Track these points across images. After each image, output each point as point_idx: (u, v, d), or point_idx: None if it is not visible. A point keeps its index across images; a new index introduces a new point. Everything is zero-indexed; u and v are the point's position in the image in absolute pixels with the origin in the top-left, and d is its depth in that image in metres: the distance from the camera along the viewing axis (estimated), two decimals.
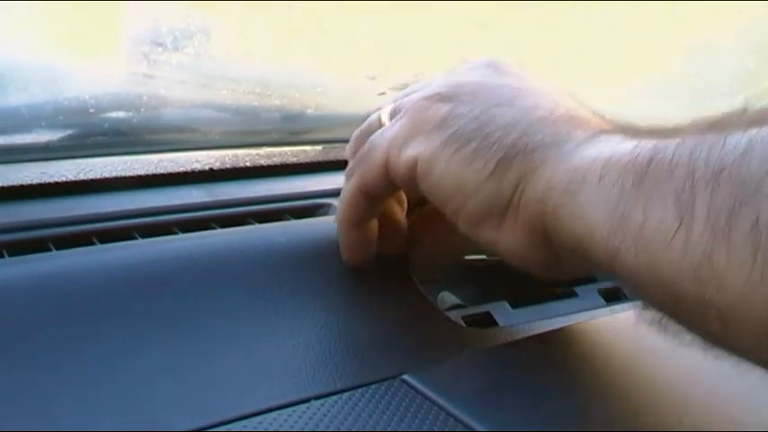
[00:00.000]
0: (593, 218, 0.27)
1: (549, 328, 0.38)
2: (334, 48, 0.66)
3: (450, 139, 0.31)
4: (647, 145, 0.26)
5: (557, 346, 0.36)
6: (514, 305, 0.42)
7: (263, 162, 0.56)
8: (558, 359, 0.35)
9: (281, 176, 0.55)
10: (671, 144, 0.26)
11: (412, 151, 0.32)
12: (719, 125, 0.25)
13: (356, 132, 0.39)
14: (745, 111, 0.26)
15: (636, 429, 0.30)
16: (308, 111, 0.62)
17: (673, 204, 0.24)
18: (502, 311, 0.41)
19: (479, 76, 0.34)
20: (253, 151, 0.57)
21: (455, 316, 0.39)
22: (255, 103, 0.61)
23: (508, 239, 0.31)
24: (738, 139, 0.24)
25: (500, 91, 0.32)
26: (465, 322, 0.39)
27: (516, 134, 0.30)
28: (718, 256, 0.23)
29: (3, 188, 0.46)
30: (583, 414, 0.31)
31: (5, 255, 0.38)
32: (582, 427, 0.30)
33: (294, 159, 0.57)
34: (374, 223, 0.37)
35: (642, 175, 0.26)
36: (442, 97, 0.33)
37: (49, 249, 0.38)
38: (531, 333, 0.37)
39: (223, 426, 0.29)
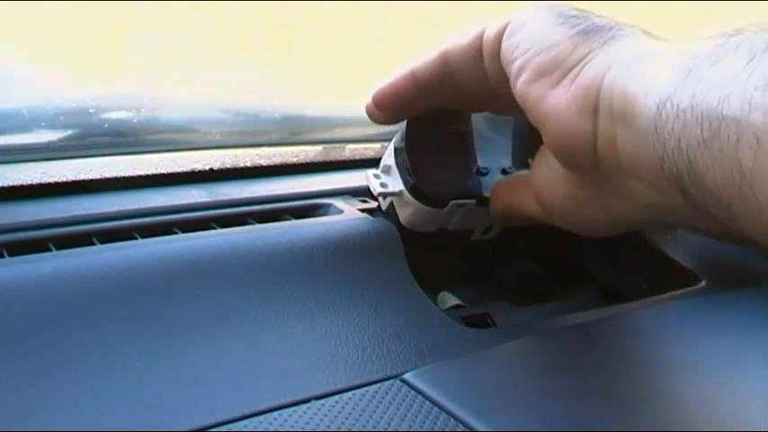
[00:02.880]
0: (653, 83, 0.27)
1: (549, 329, 0.38)
2: (333, 47, 0.66)
3: (550, 7, 0.33)
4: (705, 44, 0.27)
5: (557, 347, 0.36)
6: (514, 306, 0.42)
7: (263, 162, 0.56)
8: (558, 359, 0.35)
9: (281, 176, 0.55)
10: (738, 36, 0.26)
11: (509, 16, 0.34)
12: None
13: None
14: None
15: (636, 429, 0.30)
16: (308, 111, 0.63)
17: (745, 53, 0.24)
18: (502, 312, 0.41)
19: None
20: (253, 151, 0.57)
21: (455, 316, 0.39)
22: (255, 104, 0.61)
23: (558, 97, 0.31)
24: None
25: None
26: (465, 322, 0.39)
27: (608, 21, 0.32)
28: None
29: (3, 188, 0.46)
30: (583, 414, 0.31)
31: (5, 255, 0.38)
32: (582, 427, 0.30)
33: (294, 159, 0.57)
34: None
35: (721, 45, 0.26)
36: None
37: (50, 249, 0.38)
38: (530, 333, 0.37)
39: (223, 426, 0.29)
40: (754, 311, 0.41)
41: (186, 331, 0.33)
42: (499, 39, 0.34)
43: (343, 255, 0.39)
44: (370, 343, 0.35)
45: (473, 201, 0.41)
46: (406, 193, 0.40)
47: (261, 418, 0.29)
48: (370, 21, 0.69)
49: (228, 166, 0.54)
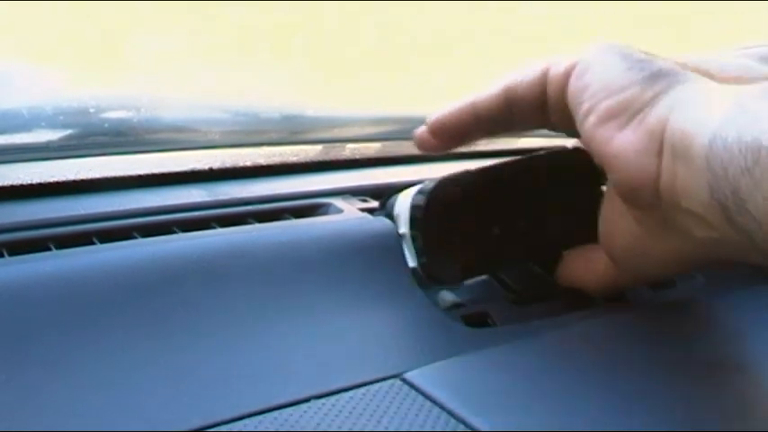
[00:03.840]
0: (708, 121, 0.29)
1: (549, 328, 0.38)
2: (333, 47, 0.66)
3: (616, 49, 0.34)
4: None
5: (556, 346, 0.36)
6: (514, 305, 0.41)
7: (263, 162, 0.56)
8: (558, 359, 0.35)
9: (281, 176, 0.55)
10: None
11: (575, 56, 0.35)
12: None
13: None
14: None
15: (636, 429, 0.30)
16: (308, 110, 0.63)
17: None
18: (501, 311, 0.41)
19: None
20: (253, 151, 0.57)
21: (455, 315, 0.39)
22: (255, 103, 0.61)
23: (625, 139, 0.32)
24: None
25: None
26: (465, 322, 0.39)
27: (672, 65, 0.33)
28: None
29: (3, 188, 0.46)
30: (583, 414, 0.31)
31: (6, 254, 0.38)
32: (582, 427, 0.30)
33: (294, 159, 0.57)
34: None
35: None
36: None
37: (50, 249, 0.38)
38: (530, 333, 0.37)
39: (223, 425, 0.29)
40: (754, 311, 0.41)
41: (186, 331, 0.33)
42: (566, 79, 0.35)
43: (342, 254, 0.39)
44: (370, 342, 0.35)
45: (486, 276, 0.41)
46: (419, 270, 0.40)
47: (261, 417, 0.29)
48: (370, 21, 0.69)
49: (228, 165, 0.54)
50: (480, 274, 0.41)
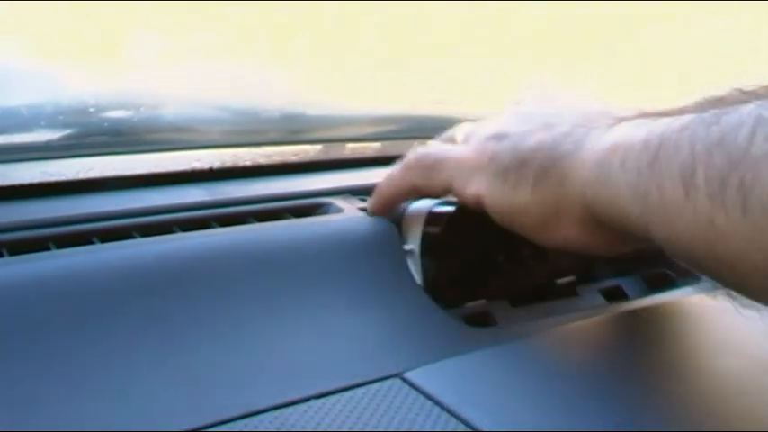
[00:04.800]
0: (624, 201, 0.31)
1: (550, 328, 0.38)
2: (333, 47, 0.66)
3: (496, 175, 0.37)
4: (657, 129, 0.31)
5: (557, 345, 0.36)
6: (515, 304, 0.41)
7: (263, 161, 0.56)
8: (558, 358, 0.35)
9: (281, 175, 0.55)
10: (676, 125, 0.30)
11: (474, 188, 0.38)
12: (720, 103, 0.29)
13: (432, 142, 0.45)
14: (742, 89, 0.30)
15: (636, 429, 0.30)
16: (308, 110, 0.63)
17: (679, 179, 0.29)
18: (502, 310, 0.41)
19: (530, 106, 0.41)
20: (253, 150, 0.57)
21: (456, 314, 0.39)
22: (255, 103, 0.61)
23: (571, 236, 0.36)
24: (731, 115, 0.28)
25: (537, 120, 0.38)
26: (465, 321, 0.39)
27: (544, 152, 0.36)
28: (717, 218, 0.27)
29: (3, 187, 0.46)
30: (583, 413, 0.31)
31: (5, 254, 0.38)
32: (582, 427, 0.30)
33: (294, 158, 0.57)
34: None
35: (654, 157, 0.30)
36: (495, 136, 0.39)
37: (49, 248, 0.38)
38: (531, 332, 0.37)
39: (223, 425, 0.29)
40: (753, 309, 0.41)
41: (186, 330, 0.33)
42: (481, 209, 0.39)
43: (343, 253, 0.39)
44: (371, 341, 0.35)
45: (484, 300, 0.41)
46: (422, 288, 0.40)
47: (261, 417, 0.29)
48: (369, 20, 0.69)
49: (228, 165, 0.54)
50: (482, 298, 0.41)
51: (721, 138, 0.27)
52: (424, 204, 0.41)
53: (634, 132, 0.32)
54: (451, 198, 0.41)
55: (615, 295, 0.45)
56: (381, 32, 0.69)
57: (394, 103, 0.65)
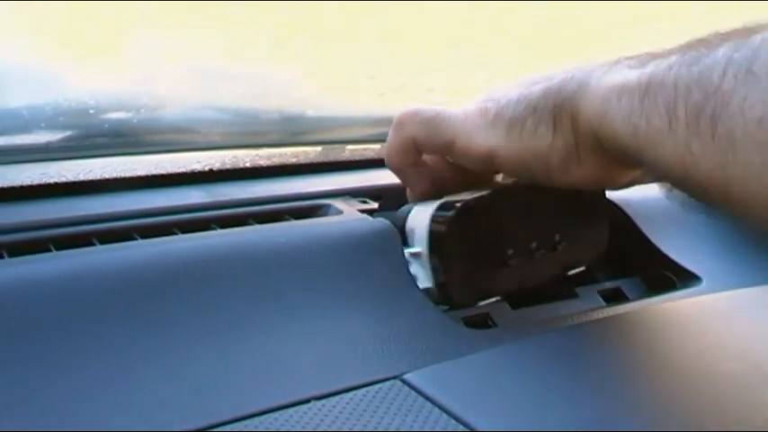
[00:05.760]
0: (621, 132, 0.34)
1: (549, 329, 0.38)
2: (333, 48, 0.66)
3: (511, 125, 0.38)
4: (647, 70, 0.34)
5: (557, 347, 0.36)
6: (514, 306, 0.41)
7: (263, 163, 0.56)
8: (558, 359, 0.35)
9: (281, 177, 0.55)
10: (663, 66, 0.33)
11: (484, 142, 0.39)
12: (701, 44, 0.33)
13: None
14: (720, 33, 0.33)
15: (636, 429, 0.30)
16: (308, 112, 0.63)
17: (664, 112, 0.32)
18: (501, 312, 0.41)
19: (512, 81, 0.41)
20: (252, 152, 0.57)
21: (455, 316, 0.39)
22: (255, 104, 0.61)
23: (587, 173, 0.38)
24: (708, 57, 0.31)
25: (528, 78, 0.40)
26: (465, 323, 0.39)
27: (553, 96, 0.37)
28: (694, 146, 0.31)
29: (3, 189, 0.46)
30: (583, 414, 0.31)
31: (5, 255, 0.38)
32: (582, 428, 0.30)
33: (294, 160, 0.57)
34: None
35: (644, 94, 0.33)
36: (490, 98, 0.40)
37: (49, 250, 0.38)
38: (530, 334, 0.37)
39: (223, 426, 0.29)
40: (754, 311, 0.41)
41: (186, 332, 0.33)
42: (491, 164, 0.40)
43: (342, 255, 0.39)
44: (371, 343, 0.35)
45: (497, 298, 0.41)
46: (433, 291, 0.40)
47: (261, 418, 0.29)
48: (369, 21, 0.69)
49: (228, 166, 0.54)
50: (495, 295, 0.41)
51: (699, 76, 0.31)
52: (426, 206, 0.41)
53: (628, 73, 0.35)
54: (452, 198, 0.40)
55: (615, 297, 0.45)
56: (381, 32, 0.69)
57: (394, 105, 0.65)
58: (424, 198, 0.42)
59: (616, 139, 0.35)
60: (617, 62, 0.37)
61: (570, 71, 0.38)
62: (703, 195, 0.33)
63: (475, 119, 0.39)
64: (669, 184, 0.35)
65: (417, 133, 0.41)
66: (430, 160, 0.43)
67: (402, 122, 0.42)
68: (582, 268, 0.44)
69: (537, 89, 0.38)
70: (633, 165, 0.37)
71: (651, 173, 0.36)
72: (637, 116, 0.33)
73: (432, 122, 0.41)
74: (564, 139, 0.37)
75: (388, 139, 0.42)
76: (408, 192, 0.44)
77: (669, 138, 0.32)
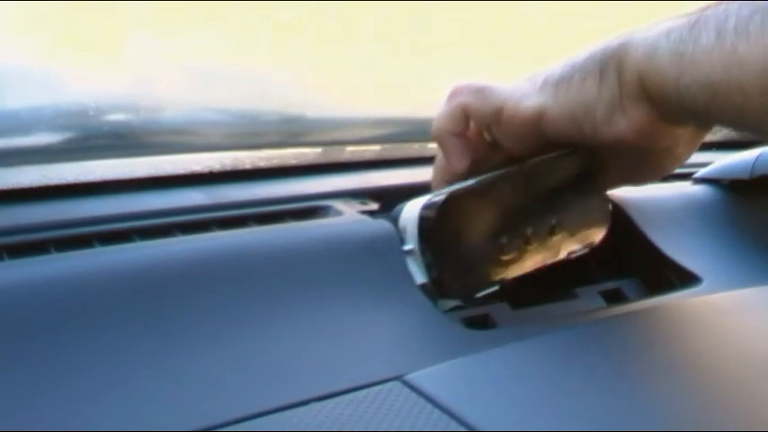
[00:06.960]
0: (664, 66, 0.36)
1: (549, 329, 0.38)
2: (333, 48, 0.66)
3: (558, 84, 0.40)
4: (697, 11, 0.36)
5: (557, 348, 0.36)
6: (514, 307, 0.41)
7: (263, 164, 0.56)
8: (558, 360, 0.35)
9: (281, 178, 0.54)
10: (712, 5, 0.35)
11: (534, 101, 0.40)
12: None
13: None
14: None
15: (635, 430, 0.30)
16: (308, 113, 0.63)
17: (714, 29, 0.34)
18: (502, 313, 0.41)
19: None
20: (252, 153, 0.57)
21: (455, 317, 0.39)
22: (255, 105, 0.61)
23: (634, 122, 0.38)
24: None
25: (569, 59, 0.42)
26: (465, 324, 0.39)
27: (598, 55, 0.39)
28: (740, 46, 0.33)
29: (3, 191, 0.46)
30: (583, 415, 0.31)
31: (5, 257, 0.38)
32: (582, 428, 0.30)
33: (294, 161, 0.57)
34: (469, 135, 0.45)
35: (695, 22, 0.35)
36: (535, 74, 0.42)
37: (50, 252, 0.39)
38: (530, 334, 0.37)
39: (223, 427, 0.29)
40: (754, 311, 0.41)
41: (186, 333, 0.33)
42: (538, 125, 0.41)
43: (343, 256, 0.39)
44: (371, 344, 0.35)
45: (496, 287, 0.40)
46: (429, 286, 0.39)
47: (261, 419, 0.29)
48: (369, 21, 0.69)
49: (228, 167, 0.54)
50: (492, 286, 0.40)
51: (751, 3, 0.33)
52: (418, 201, 0.41)
53: (676, 19, 0.37)
54: (445, 190, 0.40)
55: (615, 297, 0.45)
56: (381, 32, 0.69)
57: (394, 105, 0.65)
58: (457, 176, 0.43)
59: (658, 77, 0.36)
60: (662, 20, 0.38)
61: (615, 37, 0.39)
62: (741, 104, 0.33)
63: (524, 87, 0.41)
64: (700, 118, 0.37)
65: (468, 100, 0.43)
66: (472, 134, 0.44)
67: (455, 91, 0.44)
68: (580, 252, 0.44)
69: (582, 54, 0.40)
70: (675, 114, 0.38)
71: (684, 97, 0.36)
72: (684, 43, 0.35)
73: (483, 90, 0.42)
74: (610, 88, 0.38)
75: (441, 107, 0.44)
76: (442, 168, 0.45)
77: (716, 48, 0.34)
